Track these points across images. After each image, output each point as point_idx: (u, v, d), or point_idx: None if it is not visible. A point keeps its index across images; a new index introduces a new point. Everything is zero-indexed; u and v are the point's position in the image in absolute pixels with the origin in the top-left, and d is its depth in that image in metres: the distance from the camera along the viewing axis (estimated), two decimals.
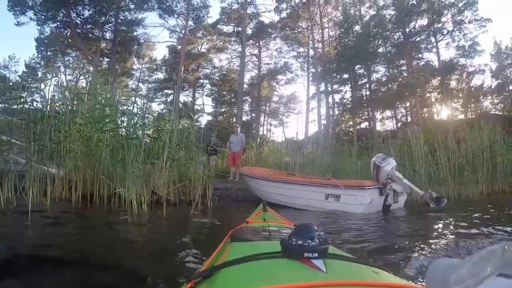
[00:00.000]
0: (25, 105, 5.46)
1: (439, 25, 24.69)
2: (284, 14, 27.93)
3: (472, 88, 31.52)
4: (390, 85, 26.28)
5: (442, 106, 29.25)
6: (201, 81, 32.42)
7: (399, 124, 27.64)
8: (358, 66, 25.59)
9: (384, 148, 10.62)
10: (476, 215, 5.37)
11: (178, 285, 0.91)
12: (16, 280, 1.73)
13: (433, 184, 8.78)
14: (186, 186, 6.27)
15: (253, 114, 32.97)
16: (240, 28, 26.57)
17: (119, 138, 5.76)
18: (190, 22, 25.73)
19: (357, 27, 26.01)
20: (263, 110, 34.86)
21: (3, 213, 3.40)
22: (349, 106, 29.08)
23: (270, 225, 1.52)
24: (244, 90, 27.58)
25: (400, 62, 26.65)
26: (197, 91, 32.86)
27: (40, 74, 31.77)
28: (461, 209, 6.28)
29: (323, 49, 27.49)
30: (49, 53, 27.70)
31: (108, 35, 24.51)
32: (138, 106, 7.82)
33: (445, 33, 24.99)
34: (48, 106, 5.67)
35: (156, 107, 31.24)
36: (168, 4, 24.31)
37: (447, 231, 3.96)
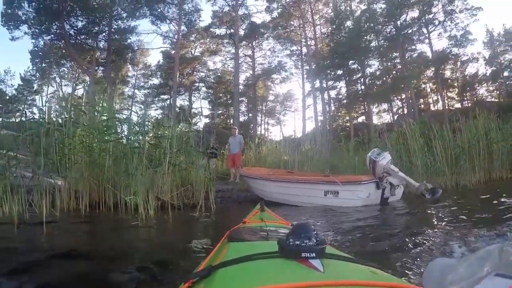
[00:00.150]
0: (22, 118, 5.60)
1: (430, 16, 24.75)
2: (275, 14, 28.12)
3: (467, 77, 31.76)
4: (384, 78, 26.40)
5: (437, 96, 29.35)
6: (197, 84, 32.55)
7: (395, 117, 27.78)
8: (351, 61, 25.66)
9: (380, 142, 10.69)
10: (471, 203, 5.55)
11: (176, 285, 0.91)
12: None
13: (431, 175, 8.87)
14: (189, 190, 6.44)
15: (250, 114, 33.10)
16: (232, 30, 26.68)
17: (121, 147, 5.92)
18: (183, 27, 25.83)
19: (348, 23, 26.08)
20: (259, 109, 34.98)
21: (18, 226, 3.55)
22: (345, 101, 29.22)
23: (267, 225, 1.52)
24: (239, 91, 27.69)
25: (394, 55, 26.72)
26: (193, 95, 33.01)
27: (36, 86, 32.00)
28: (457, 198, 6.44)
29: (316, 46, 27.64)
30: (44, 65, 27.84)
31: (102, 44, 24.64)
32: (138, 114, 7.98)
33: (436, 23, 25.05)
34: (48, 118, 5.84)
35: (153, 112, 31.38)
36: (159, 10, 24.38)
37: (442, 222, 4.05)
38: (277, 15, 28.00)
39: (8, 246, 2.72)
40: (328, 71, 26.27)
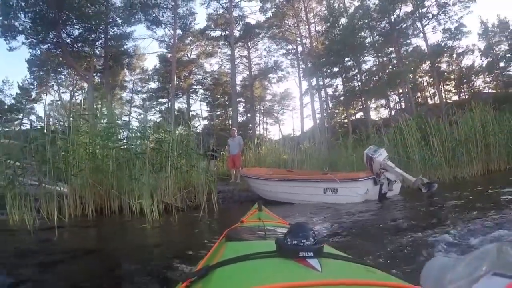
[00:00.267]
0: (22, 127, 5.77)
1: (424, 10, 24.85)
2: (269, 14, 28.17)
3: (463, 69, 31.85)
4: (380, 74, 26.50)
5: (435, 90, 29.45)
6: (194, 87, 32.64)
7: (393, 112, 27.88)
8: (347, 58, 25.76)
9: (377, 138, 10.79)
10: (468, 195, 5.67)
11: (173, 285, 0.92)
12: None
13: (428, 169, 8.99)
14: (191, 192, 6.58)
15: (248, 115, 33.22)
16: (227, 32, 26.79)
17: (124, 152, 6.06)
18: (178, 31, 25.94)
19: (342, 20, 26.16)
20: (257, 109, 35.10)
21: (29, 232, 3.69)
22: (342, 98, 29.32)
23: (265, 225, 1.51)
24: (237, 91, 27.81)
25: (389, 50, 26.83)
26: (191, 97, 33.10)
27: (34, 94, 32.12)
28: (454, 192, 6.57)
29: (311, 45, 27.75)
30: (41, 73, 27.92)
31: (99, 51, 24.71)
32: (138, 120, 8.12)
33: (430, 17, 25.13)
34: (48, 127, 5.98)
35: (152, 116, 31.52)
36: (154, 15, 24.48)
37: (440, 218, 4.16)
38: (271, 15, 28.09)
39: (27, 249, 2.87)
40: (324, 69, 26.35)
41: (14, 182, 4.50)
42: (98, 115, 6.82)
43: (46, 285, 2.11)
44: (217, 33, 28.62)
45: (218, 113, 35.27)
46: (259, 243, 1.23)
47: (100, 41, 23.97)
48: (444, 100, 27.57)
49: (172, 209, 5.57)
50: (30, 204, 4.28)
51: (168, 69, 27.59)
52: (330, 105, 30.53)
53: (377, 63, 27.46)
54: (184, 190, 6.31)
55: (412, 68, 26.43)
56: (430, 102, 31.68)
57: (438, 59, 27.52)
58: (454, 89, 33.16)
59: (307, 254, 0.81)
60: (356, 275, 0.80)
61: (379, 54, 26.76)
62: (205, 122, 33.65)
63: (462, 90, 33.01)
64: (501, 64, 30.01)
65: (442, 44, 25.88)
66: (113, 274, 2.32)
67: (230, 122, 28.70)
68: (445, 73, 31.08)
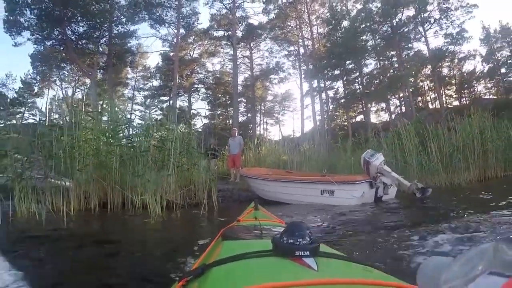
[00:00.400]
0: (23, 121, 5.95)
1: (426, 14, 24.96)
2: (272, 15, 28.32)
3: (465, 74, 31.91)
4: (381, 77, 26.60)
5: (435, 94, 29.52)
6: (196, 86, 32.78)
7: (393, 116, 27.97)
8: (348, 61, 25.87)
9: (376, 142, 10.85)
10: (460, 200, 5.82)
11: (170, 284, 0.93)
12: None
13: (425, 174, 9.05)
14: (191, 190, 6.74)
15: (249, 115, 33.35)
16: (230, 32, 26.93)
17: (127, 149, 6.23)
18: (181, 30, 26.07)
19: (345, 23, 26.27)
20: (258, 110, 35.24)
21: (38, 223, 3.85)
22: (343, 101, 29.43)
23: (261, 224, 1.51)
24: (238, 91, 27.94)
25: (390, 54, 26.91)
26: (192, 96, 33.24)
27: (36, 89, 32.27)
28: (448, 196, 6.73)
29: (313, 47, 27.86)
30: (44, 68, 28.08)
31: (102, 48, 24.86)
32: (142, 118, 8.28)
33: (432, 21, 25.23)
34: (56, 122, 6.15)
35: (153, 113, 31.60)
36: (158, 14, 24.64)
37: (434, 221, 4.25)
38: (274, 16, 28.23)
39: (40, 236, 3.01)
40: (326, 71, 26.47)
41: (22, 175, 4.65)
42: (101, 112, 6.99)
43: (55, 270, 2.26)
44: (220, 33, 28.84)
45: (219, 112, 35.42)
46: (255, 242, 1.23)
47: (104, 39, 24.14)
48: (444, 105, 27.63)
49: (173, 206, 5.73)
50: (38, 197, 4.44)
51: (170, 68, 27.73)
52: (331, 107, 30.65)
53: (379, 66, 27.57)
54: (185, 188, 6.46)
55: (413, 72, 26.55)
56: (430, 106, 31.73)
57: (440, 64, 27.59)
58: (455, 94, 33.21)
59: (303, 253, 0.82)
60: (352, 274, 0.81)
61: (381, 58, 26.88)
62: (206, 121, 33.84)
63: (463, 96, 33.06)
64: (503, 70, 30.00)
65: (444, 49, 25.99)
66: (119, 265, 2.46)
67: (230, 121, 28.83)
68: (446, 78, 31.15)
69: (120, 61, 25.77)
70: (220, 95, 33.60)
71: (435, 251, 2.74)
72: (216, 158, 11.31)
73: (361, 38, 25.04)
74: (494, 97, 29.37)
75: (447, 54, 26.48)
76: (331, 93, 30.02)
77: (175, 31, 25.68)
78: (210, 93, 33.48)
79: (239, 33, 27.78)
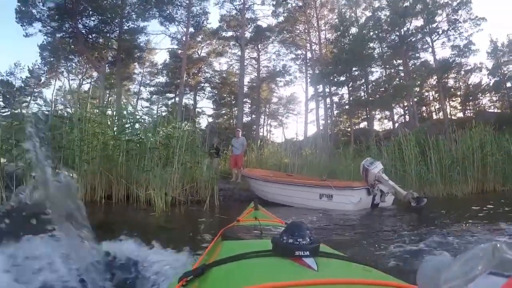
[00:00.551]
0: (28, 111, 6.14)
1: (434, 25, 25.00)
2: (281, 18, 28.40)
3: (470, 86, 31.91)
4: (387, 85, 26.66)
5: (440, 105, 29.52)
6: (202, 84, 32.94)
7: (396, 125, 28.01)
8: (354, 68, 25.95)
9: (377, 150, 11.00)
10: (454, 209, 5.98)
11: (170, 284, 0.93)
12: None
13: (424, 184, 9.19)
14: (193, 187, 6.92)
15: (253, 116, 33.46)
16: (238, 33, 27.12)
17: (133, 145, 6.42)
18: (191, 29, 26.29)
19: (353, 30, 26.32)
20: (262, 111, 35.34)
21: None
22: (347, 107, 29.50)
23: (261, 224, 1.51)
24: (244, 92, 28.11)
25: (397, 62, 26.93)
26: (198, 94, 33.40)
27: (43, 79, 32.54)
28: (442, 206, 6.89)
29: (320, 52, 27.95)
30: (52, 59, 28.32)
31: (111, 43, 25.10)
32: (147, 114, 8.46)
33: (440, 32, 25.25)
34: (64, 114, 6.34)
35: (158, 109, 31.82)
36: (168, 12, 24.86)
37: (432, 226, 4.44)
38: (283, 20, 28.35)
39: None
40: (331, 77, 26.56)
41: (34, 165, 4.82)
42: (110, 106, 7.19)
43: None
44: (229, 33, 28.99)
45: (223, 111, 35.57)
46: (255, 242, 1.24)
47: (114, 34, 24.36)
48: (448, 116, 27.64)
49: (176, 201, 5.92)
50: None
51: (178, 65, 27.89)
52: (335, 113, 30.70)
53: (384, 74, 27.61)
54: (188, 185, 6.65)
55: (418, 82, 26.60)
56: (435, 117, 31.74)
57: (445, 75, 27.61)
58: (460, 106, 33.20)
59: (303, 253, 0.82)
60: (352, 274, 0.82)
61: (387, 66, 26.93)
62: (210, 119, 34.03)
63: (468, 108, 33.04)
64: (508, 84, 29.89)
65: (450, 60, 25.97)
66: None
67: (235, 121, 28.99)
68: (452, 89, 31.15)
69: (128, 57, 25.99)
70: (225, 95, 33.70)
71: (432, 252, 2.78)
72: (219, 158, 11.47)
73: (369, 45, 25.09)
74: (498, 111, 29.36)
75: (453, 65, 26.48)
76: (336, 98, 30.11)
77: (185, 29, 25.88)
78: (216, 92, 33.59)
79: (248, 35, 27.92)
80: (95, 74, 28.14)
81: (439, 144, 9.98)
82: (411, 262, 2.51)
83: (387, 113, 30.92)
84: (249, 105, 34.24)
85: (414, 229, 4.08)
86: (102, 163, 5.87)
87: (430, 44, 25.55)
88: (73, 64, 30.12)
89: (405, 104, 27.97)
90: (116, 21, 23.20)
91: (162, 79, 32.94)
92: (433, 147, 9.76)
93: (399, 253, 2.87)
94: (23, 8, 20.44)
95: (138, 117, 7.24)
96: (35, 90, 32.09)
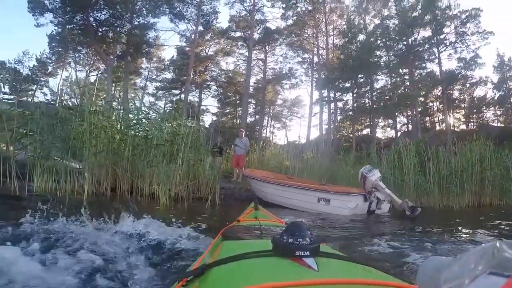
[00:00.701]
0: (34, 99, 6.33)
1: (442, 36, 25.12)
2: (290, 21, 28.57)
3: (475, 99, 31.96)
4: (392, 94, 26.77)
5: (443, 116, 29.58)
6: (208, 82, 33.12)
7: (398, 133, 28.09)
8: (360, 75, 26.07)
9: (377, 158, 11.13)
10: (447, 219, 6.13)
11: (170, 283, 0.93)
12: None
13: (421, 193, 9.34)
14: (195, 184, 7.10)
15: (257, 117, 33.63)
16: (247, 34, 27.31)
17: (139, 140, 6.60)
18: (200, 27, 26.49)
19: (361, 37, 26.44)
20: (267, 113, 35.50)
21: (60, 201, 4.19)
22: (351, 113, 29.63)
23: (261, 224, 1.52)
24: (249, 93, 28.29)
25: (403, 71, 27.02)
26: (203, 92, 33.61)
27: (50, 68, 32.79)
28: (437, 216, 7.04)
29: (327, 57, 28.08)
30: (60, 49, 28.54)
31: (121, 37, 25.31)
32: (154, 110, 8.63)
33: (447, 44, 25.35)
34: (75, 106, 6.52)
35: (161, 105, 32.06)
36: (178, 9, 25.08)
37: (430, 230, 4.61)
38: (292, 23, 28.51)
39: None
40: (337, 83, 26.67)
41: (48, 155, 5.01)
42: (117, 101, 7.37)
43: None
44: (237, 34, 29.18)
45: (228, 110, 35.75)
46: (255, 242, 1.26)
47: (124, 28, 24.57)
48: (451, 128, 27.71)
49: (178, 197, 6.09)
50: (56, 177, 4.80)
51: (185, 62, 28.08)
52: (338, 118, 30.78)
53: (390, 83, 27.72)
54: (190, 182, 6.82)
55: (423, 92, 26.70)
56: (437, 128, 31.78)
57: (451, 87, 27.69)
58: (463, 118, 33.23)
59: (304, 253, 0.82)
60: (353, 274, 0.82)
61: (393, 75, 27.04)
62: (214, 118, 34.21)
63: (471, 120, 33.07)
64: None
65: (456, 72, 26.10)
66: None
67: (238, 121, 29.15)
68: (456, 101, 31.21)
69: (137, 52, 26.21)
70: (230, 94, 33.88)
71: (429, 255, 2.75)
72: (221, 156, 11.61)
73: (375, 53, 25.22)
74: (502, 125, 29.40)
75: (459, 77, 26.58)
76: (340, 104, 30.21)
77: (194, 27, 26.11)
78: (221, 91, 33.77)
79: (256, 36, 28.12)
80: (102, 66, 28.35)
81: (438, 155, 10.05)
82: (412, 262, 2.59)
83: (390, 121, 30.97)
84: (254, 106, 34.41)
85: (405, 234, 4.23)
86: (108, 156, 6.06)
87: (437, 55, 25.70)
88: (81, 55, 30.39)
89: (409, 113, 28.04)
90: (127, 16, 23.43)
91: (168, 75, 33.22)
92: (433, 158, 9.85)
93: (396, 253, 2.97)
94: None
95: (145, 113, 7.42)
96: (41, 79, 32.37)
